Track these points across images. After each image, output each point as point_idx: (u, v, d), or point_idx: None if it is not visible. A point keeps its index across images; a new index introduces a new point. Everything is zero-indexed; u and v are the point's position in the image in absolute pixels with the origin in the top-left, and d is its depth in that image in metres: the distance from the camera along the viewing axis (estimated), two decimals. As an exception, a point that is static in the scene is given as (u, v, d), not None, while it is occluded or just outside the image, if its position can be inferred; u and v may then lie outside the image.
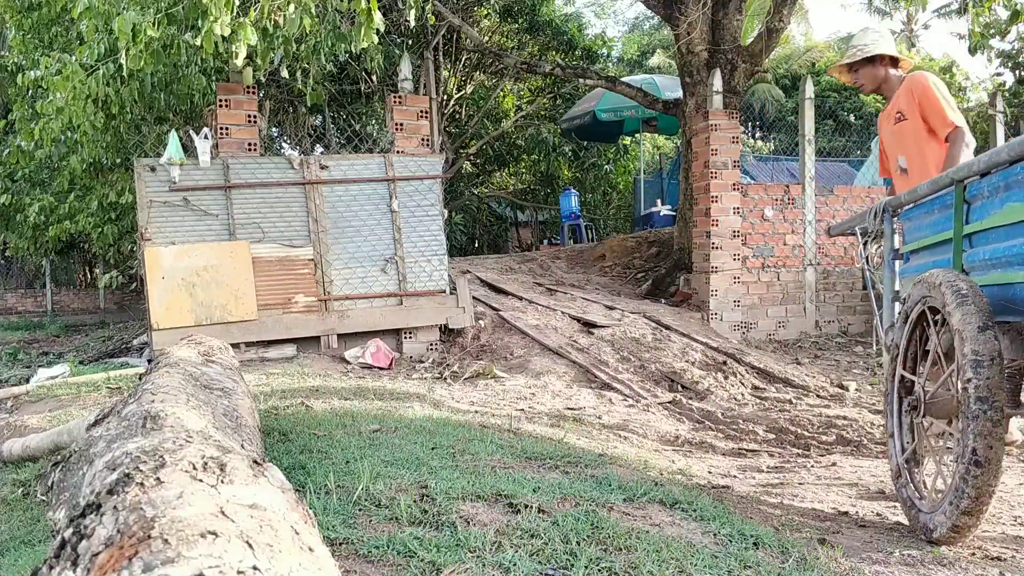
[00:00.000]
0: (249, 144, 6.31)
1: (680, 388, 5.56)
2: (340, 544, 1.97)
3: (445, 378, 5.60)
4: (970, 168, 2.51)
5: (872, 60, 3.79)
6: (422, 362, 6.24)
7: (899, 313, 2.84)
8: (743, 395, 5.42)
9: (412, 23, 6.92)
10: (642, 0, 9.28)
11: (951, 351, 2.38)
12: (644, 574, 1.87)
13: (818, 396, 5.47)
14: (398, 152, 6.65)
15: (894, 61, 3.80)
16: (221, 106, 6.24)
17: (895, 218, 3.29)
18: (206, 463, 1.28)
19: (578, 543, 2.00)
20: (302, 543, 1.09)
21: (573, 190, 11.16)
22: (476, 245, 13.99)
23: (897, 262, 3.30)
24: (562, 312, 6.80)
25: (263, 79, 6.83)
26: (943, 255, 2.78)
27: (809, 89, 8.19)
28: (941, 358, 2.50)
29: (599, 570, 1.88)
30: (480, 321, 6.64)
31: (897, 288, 3.25)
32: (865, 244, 3.57)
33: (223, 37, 4.53)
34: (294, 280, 6.19)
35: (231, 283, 5.94)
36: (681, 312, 7.32)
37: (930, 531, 2.30)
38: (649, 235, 9.86)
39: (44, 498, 2.90)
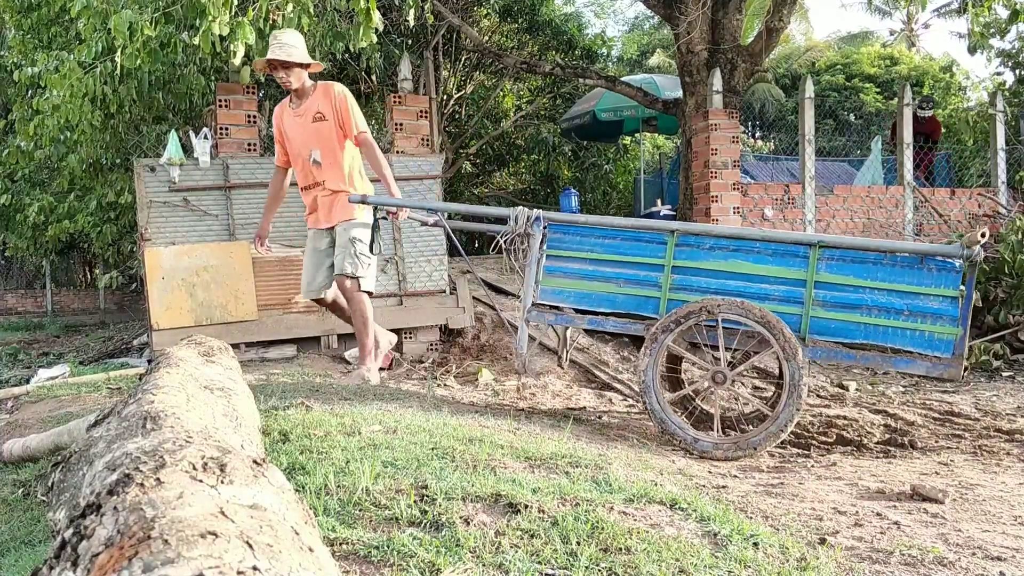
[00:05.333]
0: (249, 144, 6.31)
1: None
2: (340, 544, 1.97)
3: (445, 378, 5.59)
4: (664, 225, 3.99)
5: (305, 64, 4.39)
6: (422, 362, 6.23)
7: (672, 316, 3.73)
8: (743, 395, 5.40)
9: (411, 23, 6.92)
10: (642, 0, 9.28)
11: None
12: (644, 574, 1.87)
13: (818, 396, 5.47)
14: (398, 152, 6.64)
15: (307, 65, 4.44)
16: (221, 106, 6.24)
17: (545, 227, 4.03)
18: (206, 463, 1.28)
19: (578, 543, 2.00)
20: (302, 543, 1.09)
21: (573, 190, 11.13)
22: (476, 245, 13.98)
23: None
24: (562, 312, 6.79)
25: (263, 79, 6.83)
26: (619, 270, 3.90)
27: (809, 89, 8.19)
28: (724, 353, 3.70)
29: (599, 570, 1.88)
30: (480, 321, 6.64)
31: (539, 279, 3.99)
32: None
33: (221, 36, 4.52)
34: (294, 280, 6.19)
35: (231, 283, 5.94)
36: (681, 312, 7.30)
37: (752, 447, 3.58)
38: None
39: (44, 498, 2.90)
